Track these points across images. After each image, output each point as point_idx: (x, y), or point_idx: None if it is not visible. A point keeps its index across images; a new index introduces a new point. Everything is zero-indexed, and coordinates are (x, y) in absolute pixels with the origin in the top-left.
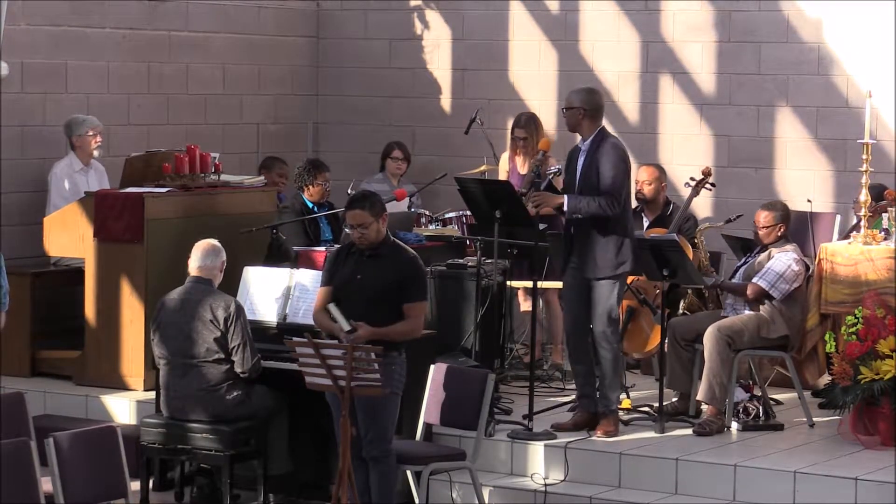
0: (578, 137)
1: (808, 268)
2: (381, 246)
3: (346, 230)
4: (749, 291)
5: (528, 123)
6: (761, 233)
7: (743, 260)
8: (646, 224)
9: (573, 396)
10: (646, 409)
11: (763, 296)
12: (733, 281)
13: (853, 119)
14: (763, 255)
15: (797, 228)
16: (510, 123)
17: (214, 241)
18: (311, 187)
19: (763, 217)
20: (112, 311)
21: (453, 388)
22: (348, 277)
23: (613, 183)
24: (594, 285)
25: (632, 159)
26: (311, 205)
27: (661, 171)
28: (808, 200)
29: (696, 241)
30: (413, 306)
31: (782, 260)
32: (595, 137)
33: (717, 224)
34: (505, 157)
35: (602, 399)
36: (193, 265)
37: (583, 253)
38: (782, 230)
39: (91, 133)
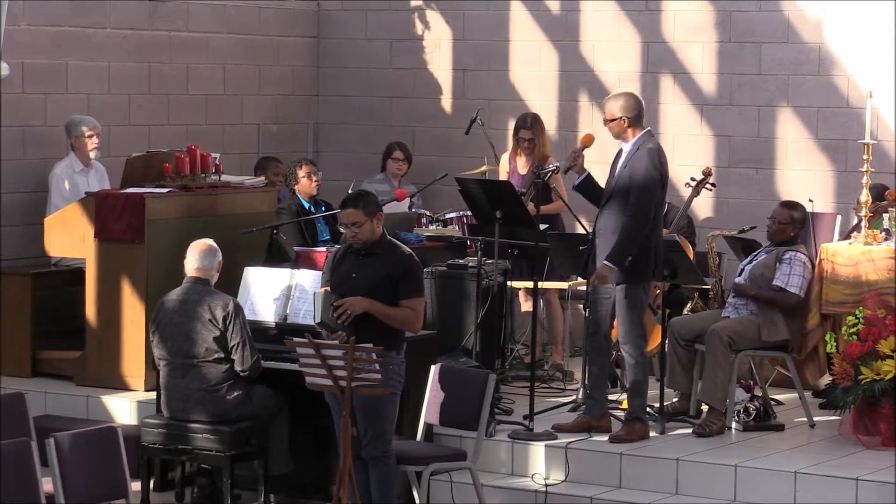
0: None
1: (814, 267)
2: (377, 245)
3: (342, 230)
4: (787, 303)
5: (534, 124)
6: (774, 228)
7: (749, 259)
8: None
9: (574, 397)
10: (646, 409)
11: (798, 303)
12: (762, 290)
13: (854, 119)
14: (770, 257)
15: None
16: (511, 124)
17: (210, 242)
18: (297, 184)
19: (781, 213)
20: (113, 312)
21: (454, 388)
22: (344, 276)
23: (642, 192)
24: (616, 291)
25: None
26: (307, 205)
27: None
28: (810, 200)
29: (706, 247)
30: (410, 301)
31: (798, 262)
32: (636, 141)
33: (730, 233)
34: (505, 158)
35: (629, 406)
36: (191, 266)
37: (600, 254)
38: (791, 229)
39: (88, 134)
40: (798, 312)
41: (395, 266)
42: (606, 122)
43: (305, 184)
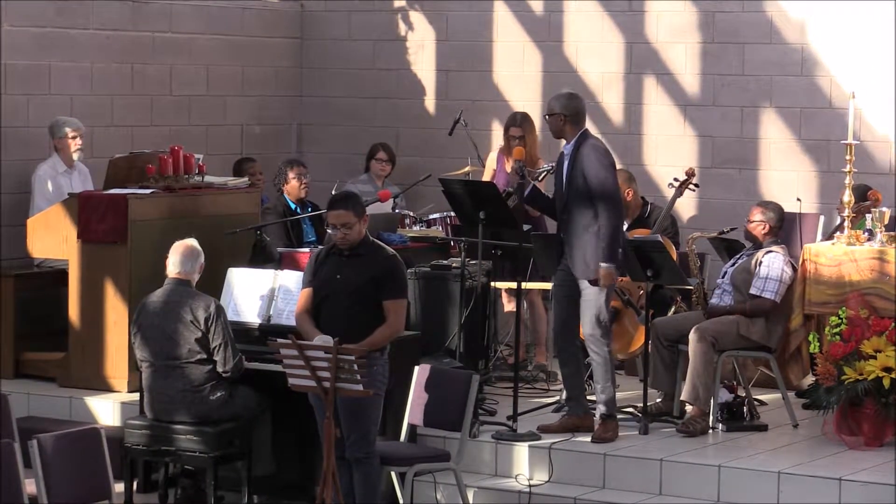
0: (563, 142)
1: (795, 269)
2: (361, 246)
3: (329, 231)
4: (762, 309)
5: (524, 122)
6: (748, 226)
7: (732, 261)
8: (625, 227)
9: (557, 398)
10: (630, 409)
11: (774, 307)
12: (721, 304)
13: (836, 120)
14: (750, 260)
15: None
16: (494, 125)
17: (193, 243)
18: (286, 185)
19: (752, 212)
20: (96, 313)
21: (437, 389)
22: (329, 277)
23: (605, 187)
24: (581, 288)
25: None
26: (293, 206)
27: (629, 175)
28: (798, 199)
29: (686, 249)
30: (393, 303)
31: (775, 266)
32: (576, 141)
33: (710, 234)
34: (493, 156)
35: (598, 404)
36: (174, 268)
37: (571, 254)
38: (767, 229)
39: (71, 135)
40: (777, 317)
41: (380, 267)
42: (546, 117)
43: (294, 185)
